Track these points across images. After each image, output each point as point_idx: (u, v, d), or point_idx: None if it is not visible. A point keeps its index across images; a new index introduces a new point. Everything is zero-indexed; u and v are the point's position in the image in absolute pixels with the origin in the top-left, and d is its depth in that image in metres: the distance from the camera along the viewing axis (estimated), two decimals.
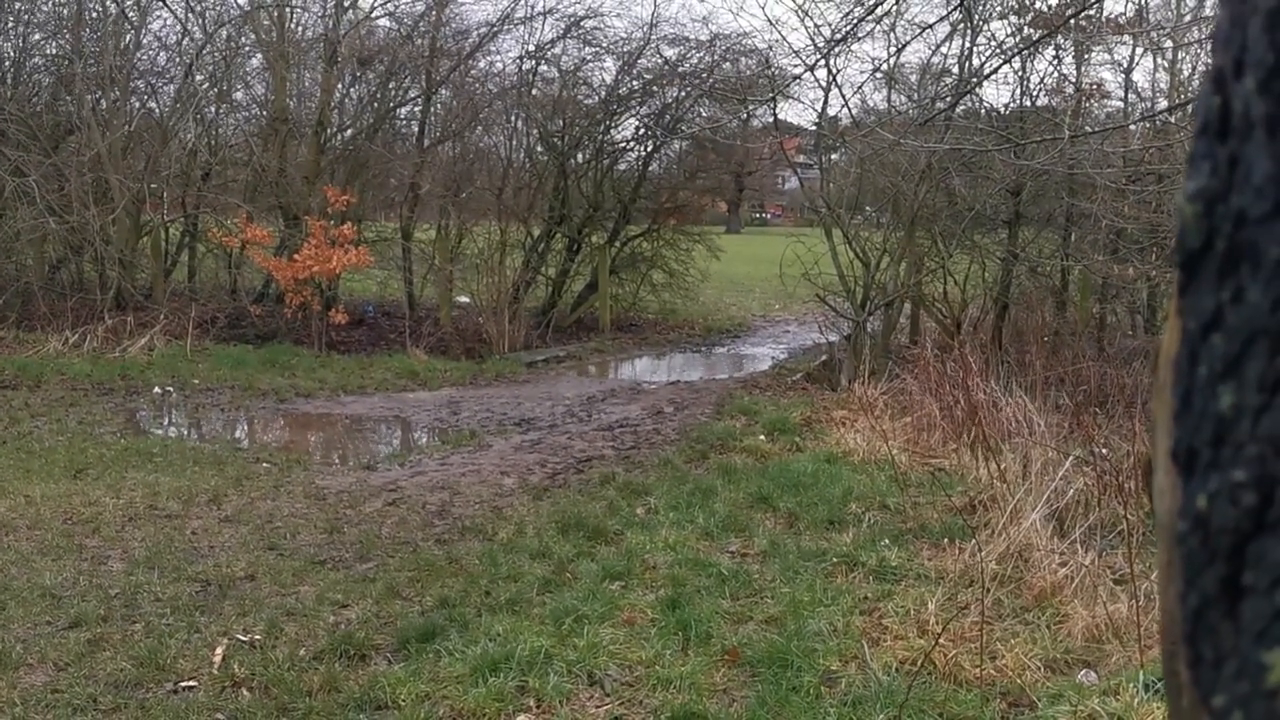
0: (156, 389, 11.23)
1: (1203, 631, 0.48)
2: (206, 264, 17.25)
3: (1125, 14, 13.31)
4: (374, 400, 11.25)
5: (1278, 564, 0.43)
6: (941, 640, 4.39)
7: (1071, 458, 6.45)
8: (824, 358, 13.53)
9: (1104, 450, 6.73)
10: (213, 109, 16.67)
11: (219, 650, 4.65)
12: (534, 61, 17.16)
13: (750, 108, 13.87)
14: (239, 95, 17.45)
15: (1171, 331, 0.54)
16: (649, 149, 18.42)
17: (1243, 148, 0.47)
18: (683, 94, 17.53)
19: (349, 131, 16.83)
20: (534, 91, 17.53)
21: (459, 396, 11.50)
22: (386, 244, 16.52)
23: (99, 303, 13.84)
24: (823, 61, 8.98)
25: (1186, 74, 13.89)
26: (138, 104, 16.19)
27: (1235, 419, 0.46)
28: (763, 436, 9.09)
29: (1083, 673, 4.39)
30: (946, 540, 6.06)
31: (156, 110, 16.34)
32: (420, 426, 10.21)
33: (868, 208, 15.41)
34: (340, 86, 16.63)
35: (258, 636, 4.83)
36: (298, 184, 15.28)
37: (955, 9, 9.61)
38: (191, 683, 4.37)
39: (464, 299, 16.32)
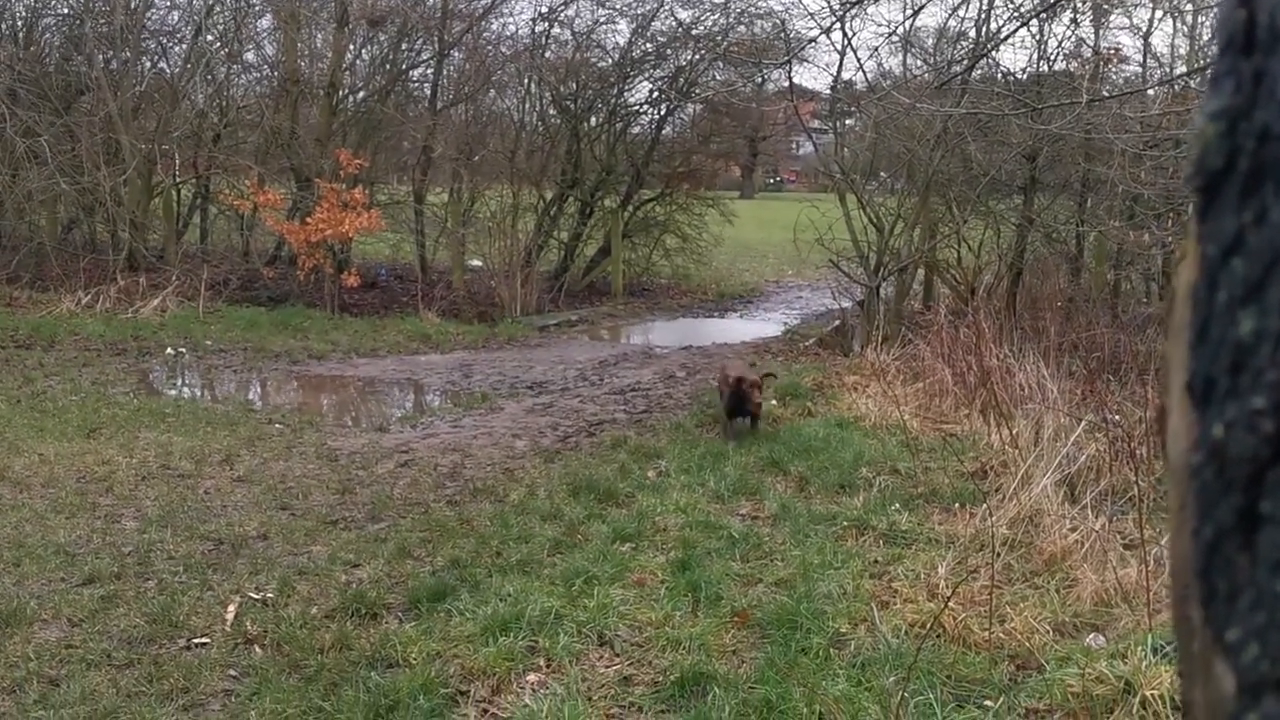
0: (169, 350, 11.27)
1: (1218, 565, 0.46)
2: (219, 226, 17.25)
3: None
4: (386, 363, 11.27)
5: None
6: (951, 604, 4.39)
7: (1084, 424, 6.42)
8: (837, 323, 13.49)
9: (1116, 416, 6.70)
10: (223, 69, 16.60)
11: (231, 607, 4.69)
12: (547, 24, 17.06)
13: (765, 71, 13.75)
14: (250, 56, 17.39)
15: (1189, 262, 0.53)
16: (662, 112, 18.32)
17: (1268, 61, 0.45)
18: (697, 57, 17.39)
19: (361, 94, 16.75)
20: (547, 54, 17.42)
21: (471, 359, 11.51)
22: (399, 207, 16.49)
23: (111, 263, 13.87)
24: (838, 24, 8.86)
25: (1206, 38, 13.69)
26: (149, 64, 16.16)
27: (1255, 345, 0.44)
28: (774, 401, 9.07)
29: (1091, 636, 4.39)
30: (957, 505, 6.05)
31: (167, 70, 16.30)
32: (432, 389, 10.22)
33: (882, 173, 15.28)
34: (352, 48, 16.54)
35: (270, 594, 4.86)
36: (309, 146, 15.23)
37: None
38: (204, 639, 4.40)
39: (476, 262, 16.30)
